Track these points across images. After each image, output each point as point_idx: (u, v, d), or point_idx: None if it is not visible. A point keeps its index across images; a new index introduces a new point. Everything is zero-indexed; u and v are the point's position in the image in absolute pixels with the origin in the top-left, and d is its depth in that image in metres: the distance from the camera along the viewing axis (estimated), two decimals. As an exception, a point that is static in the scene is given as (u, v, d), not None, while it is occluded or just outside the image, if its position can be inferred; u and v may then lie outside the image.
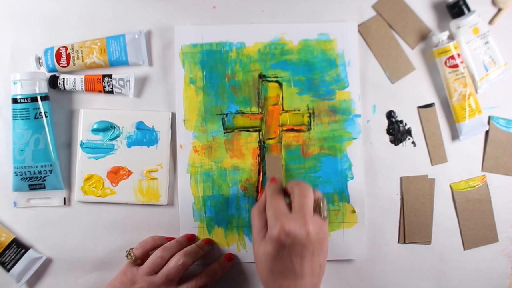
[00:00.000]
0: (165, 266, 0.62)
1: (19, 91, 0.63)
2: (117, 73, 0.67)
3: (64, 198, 0.68)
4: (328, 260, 0.68)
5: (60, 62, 0.66)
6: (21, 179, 0.65)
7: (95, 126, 0.67)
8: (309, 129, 0.68)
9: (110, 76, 0.66)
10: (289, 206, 0.56)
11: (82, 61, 0.66)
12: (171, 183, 0.68)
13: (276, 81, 0.68)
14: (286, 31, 0.68)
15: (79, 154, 0.67)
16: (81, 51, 0.66)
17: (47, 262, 0.68)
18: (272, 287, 0.55)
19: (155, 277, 0.62)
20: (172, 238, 0.67)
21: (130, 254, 0.64)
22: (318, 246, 0.55)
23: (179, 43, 0.68)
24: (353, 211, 0.68)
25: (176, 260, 0.62)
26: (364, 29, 0.69)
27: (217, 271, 0.66)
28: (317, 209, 0.57)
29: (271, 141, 0.68)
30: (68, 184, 0.68)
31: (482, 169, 0.70)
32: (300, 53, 0.68)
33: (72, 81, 0.66)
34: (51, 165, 0.65)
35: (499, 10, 0.69)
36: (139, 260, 0.64)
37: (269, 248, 0.54)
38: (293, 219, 0.54)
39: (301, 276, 0.54)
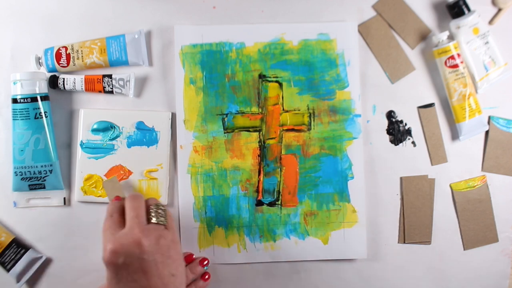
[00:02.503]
0: None
1: (19, 91, 0.63)
2: (117, 73, 0.67)
3: (64, 198, 0.68)
4: (328, 260, 0.69)
5: (60, 62, 0.66)
6: (21, 179, 0.65)
7: (95, 126, 0.67)
8: (309, 129, 0.68)
9: (110, 76, 0.66)
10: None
11: (82, 61, 0.66)
12: (171, 183, 0.68)
13: (276, 81, 0.68)
14: (286, 31, 0.68)
15: (79, 154, 0.67)
16: (81, 51, 0.66)
17: (47, 262, 0.68)
18: None
19: None
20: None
21: None
22: (162, 255, 0.51)
23: (179, 43, 0.68)
24: (354, 211, 0.68)
25: None
26: (364, 29, 0.69)
27: None
28: (149, 217, 0.54)
29: (271, 141, 0.68)
30: (68, 184, 0.68)
31: (482, 169, 0.70)
32: (300, 53, 0.68)
33: (72, 81, 0.66)
34: (51, 165, 0.65)
35: (499, 10, 0.69)
36: None
37: (107, 274, 0.51)
38: (122, 236, 0.51)
39: None
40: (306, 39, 0.68)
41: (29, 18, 0.67)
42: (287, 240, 0.69)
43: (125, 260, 0.50)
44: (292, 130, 0.68)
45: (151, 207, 0.55)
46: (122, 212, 0.55)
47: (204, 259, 0.66)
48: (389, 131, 0.70)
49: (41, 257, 0.67)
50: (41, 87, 0.64)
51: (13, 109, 0.64)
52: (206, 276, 0.66)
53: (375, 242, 0.70)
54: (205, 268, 0.66)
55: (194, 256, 0.67)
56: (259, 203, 0.68)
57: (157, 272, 0.51)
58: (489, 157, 0.70)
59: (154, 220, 0.54)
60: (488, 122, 0.70)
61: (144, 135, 0.67)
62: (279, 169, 0.68)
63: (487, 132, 0.70)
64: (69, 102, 0.68)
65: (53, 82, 0.66)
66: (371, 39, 0.69)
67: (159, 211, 0.55)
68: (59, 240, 0.68)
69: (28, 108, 0.63)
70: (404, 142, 0.70)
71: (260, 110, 0.68)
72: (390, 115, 0.70)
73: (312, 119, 0.68)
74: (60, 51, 0.66)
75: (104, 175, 0.67)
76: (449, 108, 0.69)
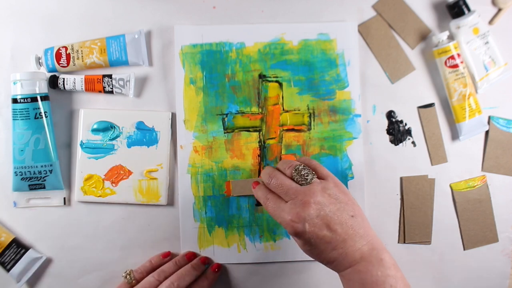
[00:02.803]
0: None
1: (19, 91, 0.63)
2: (117, 73, 0.67)
3: (64, 198, 0.68)
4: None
5: (60, 62, 0.66)
6: (21, 179, 0.65)
7: (95, 126, 0.67)
8: (309, 129, 0.68)
9: (110, 76, 0.66)
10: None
11: (82, 61, 0.66)
12: (171, 183, 0.68)
13: (276, 81, 0.68)
14: (286, 31, 0.68)
15: (79, 154, 0.67)
16: (81, 51, 0.66)
17: (47, 262, 0.68)
18: (329, 261, 0.54)
19: None
20: (168, 254, 0.67)
21: (129, 275, 0.64)
22: (334, 204, 0.53)
23: (179, 43, 0.68)
24: (353, 211, 0.68)
25: (168, 284, 0.62)
26: (364, 29, 0.69)
27: (204, 286, 0.65)
28: (300, 182, 0.55)
29: (271, 141, 0.68)
30: (68, 184, 0.68)
31: (482, 169, 0.70)
32: (300, 53, 0.68)
33: (72, 81, 0.66)
34: (51, 165, 0.65)
35: (499, 10, 0.69)
36: (134, 282, 0.64)
37: (299, 242, 0.54)
38: (291, 206, 0.53)
39: (343, 240, 0.52)
40: (306, 39, 0.68)
41: (29, 18, 0.67)
42: (287, 240, 0.69)
43: (307, 223, 0.52)
44: (292, 130, 0.68)
45: (293, 174, 0.56)
46: (272, 192, 0.57)
47: (206, 258, 0.67)
48: (389, 131, 0.70)
49: (41, 257, 0.67)
50: (41, 87, 0.64)
51: (13, 109, 0.64)
52: (216, 269, 0.67)
53: (375, 242, 0.70)
54: (206, 266, 0.66)
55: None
56: (259, 203, 0.68)
57: (338, 220, 0.53)
58: (489, 157, 0.70)
59: (304, 183, 0.55)
60: (488, 122, 0.70)
61: (144, 135, 0.67)
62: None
63: (487, 132, 0.70)
64: (69, 102, 0.68)
65: (53, 82, 0.66)
66: (371, 39, 0.69)
67: (302, 172, 0.56)
68: (59, 240, 0.68)
69: (28, 108, 0.63)
70: (404, 142, 0.70)
71: (260, 110, 0.68)
72: (390, 115, 0.70)
73: (312, 119, 0.68)
74: (60, 51, 0.66)
75: (104, 175, 0.67)
76: (449, 108, 0.69)
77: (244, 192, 0.67)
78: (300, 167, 0.56)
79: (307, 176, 0.56)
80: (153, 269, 0.65)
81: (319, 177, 0.57)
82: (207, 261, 0.67)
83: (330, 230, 0.52)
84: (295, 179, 0.56)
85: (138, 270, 0.65)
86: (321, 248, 0.53)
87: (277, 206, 0.55)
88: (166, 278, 0.63)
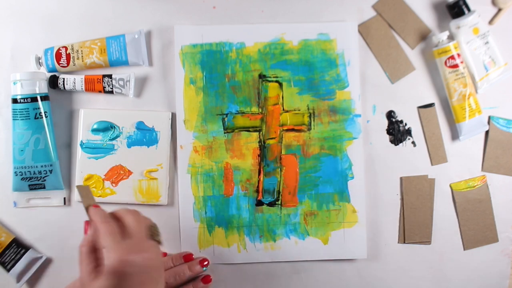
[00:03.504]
0: None
1: (19, 91, 0.63)
2: (117, 73, 0.67)
3: (64, 198, 0.68)
4: (328, 260, 0.69)
5: (60, 62, 0.66)
6: (21, 179, 0.65)
7: (95, 126, 0.67)
8: (309, 129, 0.68)
9: (110, 76, 0.66)
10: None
11: (82, 61, 0.66)
12: (171, 183, 0.68)
13: (276, 81, 0.68)
14: (286, 31, 0.68)
15: (79, 154, 0.67)
16: (81, 51, 0.66)
17: (47, 262, 0.68)
18: None
19: None
20: (164, 254, 0.67)
21: None
22: (157, 271, 0.52)
23: (179, 43, 0.68)
24: (354, 211, 0.68)
25: None
26: (364, 29, 0.69)
27: None
28: (150, 234, 0.54)
29: (271, 141, 0.68)
30: (68, 184, 0.68)
31: (482, 169, 0.70)
32: (300, 53, 0.68)
33: (72, 81, 0.66)
34: (51, 165, 0.65)
35: (499, 10, 0.69)
36: None
37: (108, 283, 0.48)
38: (130, 247, 0.50)
39: None
40: (306, 39, 0.68)
41: (29, 18, 0.67)
42: (287, 240, 0.69)
43: (132, 270, 0.49)
44: (292, 130, 0.68)
45: (151, 225, 0.56)
46: (115, 220, 0.54)
47: (205, 259, 0.66)
48: (389, 131, 0.70)
49: (41, 257, 0.67)
50: (41, 87, 0.64)
51: (13, 109, 0.64)
52: (208, 279, 0.66)
53: (375, 242, 0.70)
54: (204, 269, 0.66)
55: (193, 256, 0.67)
56: (259, 203, 0.68)
57: (151, 287, 0.50)
58: (489, 157, 0.70)
59: (155, 237, 0.55)
60: (488, 122, 0.70)
61: (144, 135, 0.67)
62: (279, 169, 0.68)
63: (487, 132, 0.70)
64: (69, 102, 0.68)
65: (53, 82, 0.66)
66: (371, 39, 0.69)
67: (157, 230, 0.56)
68: (59, 240, 0.68)
69: (28, 108, 0.63)
70: (404, 142, 0.70)
71: (260, 110, 0.68)
72: (390, 115, 0.70)
73: (312, 119, 0.68)
74: (60, 51, 0.66)
75: (104, 175, 0.67)
76: (449, 108, 0.69)
77: (85, 200, 0.57)
78: (156, 226, 0.56)
79: (158, 236, 0.55)
80: None
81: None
82: (205, 264, 0.66)
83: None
84: (152, 229, 0.55)
85: None
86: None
87: (115, 235, 0.51)
88: None
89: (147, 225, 0.55)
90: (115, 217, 0.54)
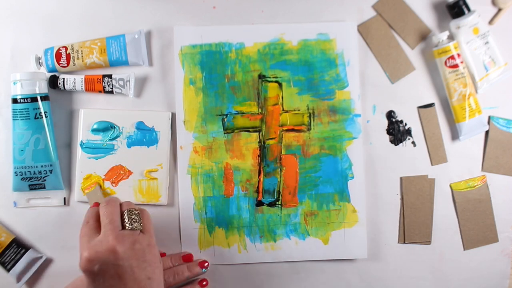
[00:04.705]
0: None
1: (19, 91, 0.63)
2: (117, 73, 0.67)
3: (64, 198, 0.68)
4: (328, 260, 0.69)
5: (60, 62, 0.66)
6: (21, 179, 0.65)
7: (95, 126, 0.67)
8: (309, 129, 0.68)
9: (110, 76, 0.66)
10: None
11: (82, 61, 0.66)
12: (171, 183, 0.68)
13: (276, 81, 0.68)
14: (285, 31, 0.68)
15: (79, 154, 0.67)
16: (81, 51, 0.66)
17: (47, 262, 0.68)
18: None
19: None
20: (163, 254, 0.67)
21: None
22: (138, 259, 0.52)
23: (178, 43, 0.68)
24: (354, 211, 0.68)
25: None
26: (364, 29, 0.69)
27: None
28: (123, 223, 0.55)
29: (271, 141, 0.68)
30: (68, 184, 0.68)
31: (482, 169, 0.70)
32: (299, 53, 0.68)
33: (72, 81, 0.66)
34: (51, 165, 0.65)
35: (499, 10, 0.69)
36: None
37: (85, 280, 0.52)
38: (97, 243, 0.52)
39: None
40: (305, 39, 0.68)
41: (29, 18, 0.67)
42: (287, 240, 0.69)
43: (100, 267, 0.51)
44: (292, 130, 0.68)
45: (124, 212, 0.56)
46: (98, 218, 0.56)
47: (204, 261, 0.66)
48: (389, 131, 0.70)
49: (41, 257, 0.67)
50: (41, 87, 0.64)
51: (13, 109, 0.64)
52: (204, 283, 0.66)
53: (375, 242, 0.70)
54: (204, 270, 0.66)
55: (193, 257, 0.67)
56: (259, 203, 0.68)
57: (133, 277, 0.52)
58: (489, 157, 0.70)
59: (128, 226, 0.55)
60: (488, 122, 0.70)
61: (144, 135, 0.67)
62: (279, 169, 0.68)
63: (487, 132, 0.70)
64: (69, 102, 0.68)
65: (53, 82, 0.66)
66: (371, 39, 0.69)
67: (133, 216, 0.56)
68: (59, 240, 0.68)
69: (28, 108, 0.63)
70: (404, 142, 0.70)
71: (260, 111, 0.68)
72: (390, 115, 0.70)
73: (312, 119, 0.68)
74: (60, 51, 0.66)
75: (104, 175, 0.67)
76: (449, 108, 0.69)
77: (90, 201, 0.66)
78: (134, 212, 0.56)
79: (134, 222, 0.55)
80: None
81: (142, 230, 0.56)
82: (205, 265, 0.67)
83: (121, 282, 0.51)
84: (123, 217, 0.55)
85: None
86: (108, 282, 0.51)
87: (88, 235, 0.54)
88: None
89: (120, 215, 0.55)
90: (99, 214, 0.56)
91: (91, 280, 0.52)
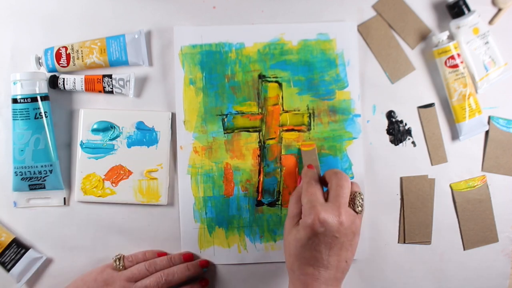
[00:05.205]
0: (147, 278, 0.62)
1: (19, 91, 0.63)
2: (117, 73, 0.67)
3: (64, 198, 0.68)
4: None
5: (60, 62, 0.66)
6: (21, 179, 0.65)
7: (95, 126, 0.67)
8: (309, 129, 0.68)
9: (110, 76, 0.66)
10: (326, 194, 0.57)
11: (82, 61, 0.66)
12: (171, 183, 0.68)
13: (276, 81, 0.68)
14: (285, 31, 0.68)
15: (79, 154, 0.67)
16: (81, 51, 0.66)
17: (47, 262, 0.68)
18: (296, 273, 0.55)
19: (133, 285, 0.62)
20: (164, 254, 0.67)
21: (120, 259, 0.64)
22: (348, 240, 0.55)
23: (178, 44, 0.68)
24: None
25: (158, 276, 0.62)
26: (364, 29, 0.69)
27: None
28: (351, 202, 0.57)
29: (271, 141, 0.68)
30: (68, 184, 0.68)
31: (482, 169, 0.70)
32: (299, 53, 0.68)
33: (72, 81, 0.66)
34: (51, 165, 0.65)
35: (499, 10, 0.69)
36: (122, 268, 0.64)
37: (301, 234, 0.54)
38: (328, 208, 0.54)
39: (326, 266, 0.54)
40: (305, 39, 0.68)
41: (29, 18, 0.67)
42: (287, 240, 0.69)
43: (324, 231, 0.53)
44: (292, 130, 0.68)
45: (357, 194, 0.57)
46: (317, 180, 0.59)
47: (205, 261, 0.67)
48: (389, 131, 0.70)
49: (41, 257, 0.67)
50: (41, 87, 0.64)
51: (13, 109, 0.64)
52: (204, 283, 0.67)
53: (375, 242, 0.70)
54: (204, 270, 0.66)
55: (193, 257, 0.67)
56: (260, 203, 0.68)
57: (339, 253, 0.54)
58: (489, 157, 0.70)
59: (356, 208, 0.57)
60: (488, 122, 0.70)
61: (144, 135, 0.67)
62: (279, 169, 0.69)
63: (487, 132, 0.70)
64: (69, 102, 0.68)
65: (53, 82, 0.66)
66: (371, 39, 0.69)
67: (361, 201, 0.57)
68: (59, 240, 0.68)
69: (28, 108, 0.63)
70: (404, 142, 0.70)
71: (260, 111, 0.68)
72: (390, 115, 0.70)
73: (312, 119, 0.68)
74: (60, 51, 0.66)
75: (104, 175, 0.67)
76: (449, 108, 0.69)
77: (305, 159, 0.67)
78: (362, 196, 0.58)
79: (360, 206, 0.57)
80: (144, 261, 0.65)
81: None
82: (206, 265, 0.67)
83: (328, 252, 0.54)
84: (354, 198, 0.57)
85: (129, 258, 0.65)
86: (320, 246, 0.54)
87: (317, 196, 0.56)
88: (156, 271, 0.63)
89: (350, 192, 0.57)
90: (324, 180, 0.59)
91: (308, 238, 0.54)
